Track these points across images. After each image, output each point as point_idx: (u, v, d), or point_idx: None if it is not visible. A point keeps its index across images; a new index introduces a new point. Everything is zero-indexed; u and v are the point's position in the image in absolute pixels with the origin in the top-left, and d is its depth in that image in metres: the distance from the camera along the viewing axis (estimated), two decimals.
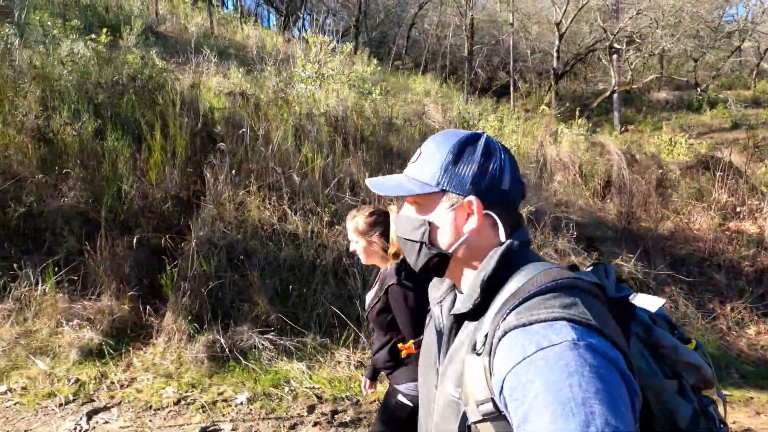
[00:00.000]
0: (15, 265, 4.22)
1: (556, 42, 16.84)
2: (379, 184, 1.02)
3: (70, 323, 4.07)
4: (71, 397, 3.47)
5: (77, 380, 3.63)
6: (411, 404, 2.13)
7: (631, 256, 6.14)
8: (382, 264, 2.23)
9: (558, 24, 16.49)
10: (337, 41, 9.45)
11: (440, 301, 1.04)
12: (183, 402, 3.55)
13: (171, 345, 4.07)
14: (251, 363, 4.01)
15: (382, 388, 3.31)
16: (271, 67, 7.64)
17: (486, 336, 0.79)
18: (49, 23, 6.15)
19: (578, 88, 23.52)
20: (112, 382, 3.67)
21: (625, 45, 17.10)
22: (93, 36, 6.17)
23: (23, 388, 3.51)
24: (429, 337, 1.07)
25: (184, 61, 7.68)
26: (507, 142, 7.42)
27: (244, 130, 5.54)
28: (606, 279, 0.97)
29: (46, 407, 3.35)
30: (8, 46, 5.50)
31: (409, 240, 0.98)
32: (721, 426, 0.94)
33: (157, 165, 5.14)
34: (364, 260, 2.28)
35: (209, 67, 7.39)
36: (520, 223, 0.96)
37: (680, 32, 16.82)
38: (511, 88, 16.23)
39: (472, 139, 0.95)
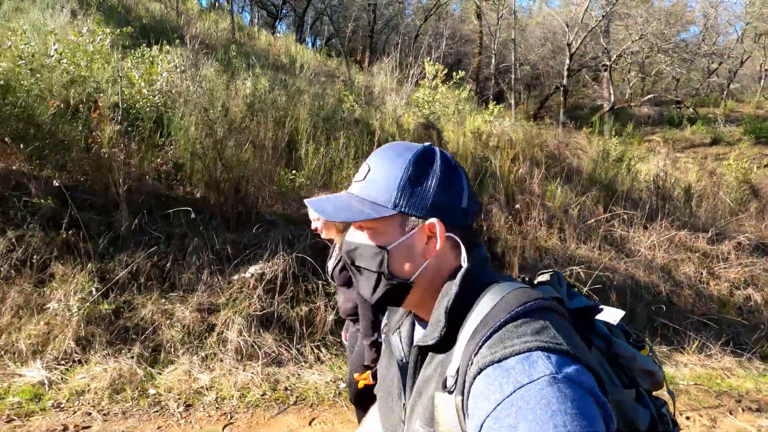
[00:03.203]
0: None
1: (567, 61, 17.99)
2: (324, 207, 0.89)
3: None
4: None
5: None
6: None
7: None
8: (338, 235, 2.64)
9: (569, 44, 17.66)
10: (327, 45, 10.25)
11: (398, 328, 0.97)
12: None
13: None
14: None
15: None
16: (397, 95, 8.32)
17: (457, 372, 0.74)
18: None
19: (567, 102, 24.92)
20: None
21: (621, 64, 18.49)
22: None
23: None
24: (387, 366, 0.99)
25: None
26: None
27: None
28: (560, 288, 0.96)
29: None
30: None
31: (365, 269, 0.88)
32: (674, 427, 0.94)
33: None
34: (324, 235, 2.67)
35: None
36: (476, 240, 0.90)
37: (674, 56, 18.32)
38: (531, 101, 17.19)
39: (427, 154, 0.87)
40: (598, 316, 0.96)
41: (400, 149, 0.88)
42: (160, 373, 3.80)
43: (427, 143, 0.91)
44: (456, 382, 0.73)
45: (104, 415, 3.21)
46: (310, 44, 19.36)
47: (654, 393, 0.94)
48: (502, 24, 20.93)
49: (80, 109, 5.47)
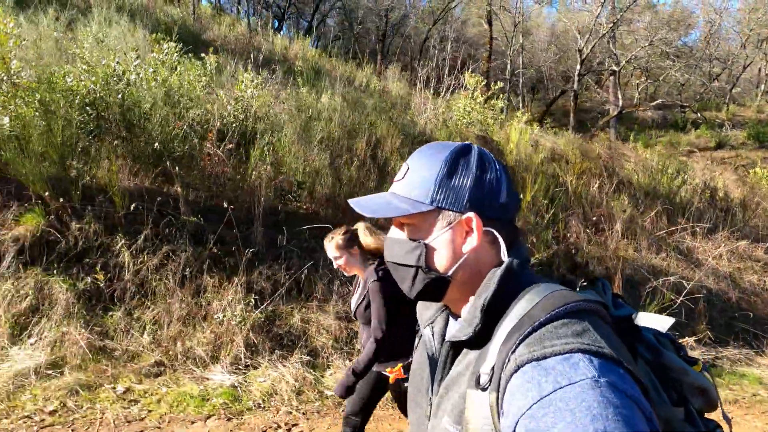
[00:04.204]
0: None
1: (578, 66, 18.60)
2: (365, 205, 0.91)
3: None
4: None
5: None
6: (383, 371, 2.54)
7: None
8: (362, 272, 2.66)
9: (580, 50, 18.26)
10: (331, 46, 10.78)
11: (431, 323, 0.97)
12: None
13: None
14: None
15: None
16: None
17: (492, 369, 0.72)
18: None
19: (567, 104, 25.64)
20: None
21: (627, 69, 19.19)
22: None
23: None
24: (419, 361, 1.00)
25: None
26: None
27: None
28: (604, 295, 0.92)
29: None
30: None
31: (402, 265, 0.89)
32: None
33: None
34: (347, 272, 2.70)
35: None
36: (517, 238, 0.90)
37: (682, 61, 19.05)
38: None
39: (464, 151, 0.89)
40: (645, 323, 0.90)
41: (438, 148, 0.89)
42: (322, 376, 4.24)
43: (466, 142, 0.92)
44: (491, 380, 0.71)
45: (303, 414, 3.66)
46: (312, 46, 19.58)
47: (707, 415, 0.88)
48: (508, 29, 21.50)
49: (196, 129, 5.86)
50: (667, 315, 4.84)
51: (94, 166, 5.05)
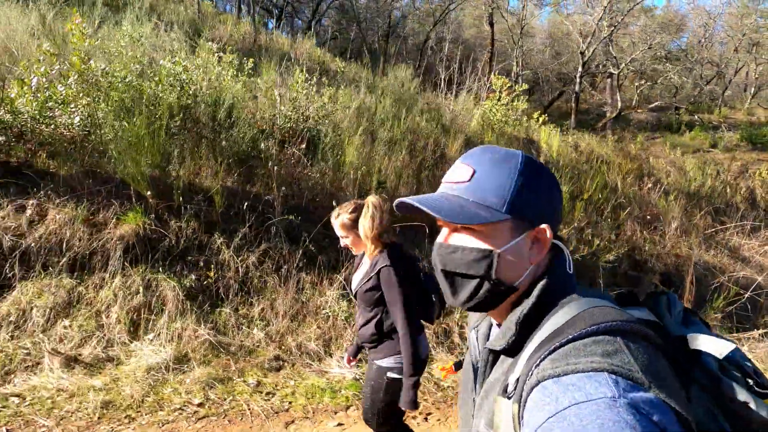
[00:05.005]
0: None
1: (579, 69, 19.05)
2: (435, 206, 0.85)
3: None
4: None
5: None
6: (401, 376, 2.28)
7: None
8: (370, 250, 2.37)
9: (582, 53, 18.71)
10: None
11: (476, 326, 0.99)
12: None
13: None
14: None
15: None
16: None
17: (518, 381, 0.72)
18: None
19: (563, 105, 26.18)
20: None
21: (624, 72, 19.74)
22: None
23: None
24: (468, 360, 1.01)
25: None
26: None
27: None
28: (668, 312, 0.86)
29: None
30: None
31: (467, 275, 0.85)
32: None
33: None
34: (355, 251, 2.49)
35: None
36: (562, 249, 0.88)
37: (679, 65, 19.66)
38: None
39: (532, 161, 0.87)
40: (699, 346, 0.79)
41: (503, 154, 0.87)
42: (430, 370, 4.41)
43: (519, 150, 0.91)
44: (515, 390, 0.71)
45: (432, 403, 3.82)
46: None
47: None
48: (512, 31, 21.89)
49: (275, 130, 5.97)
50: (734, 310, 5.11)
51: (188, 166, 5.13)
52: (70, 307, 4.26)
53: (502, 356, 0.83)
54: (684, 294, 5.34)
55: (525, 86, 11.61)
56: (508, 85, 10.58)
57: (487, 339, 0.94)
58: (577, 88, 19.56)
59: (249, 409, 3.45)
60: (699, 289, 5.80)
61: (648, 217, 6.51)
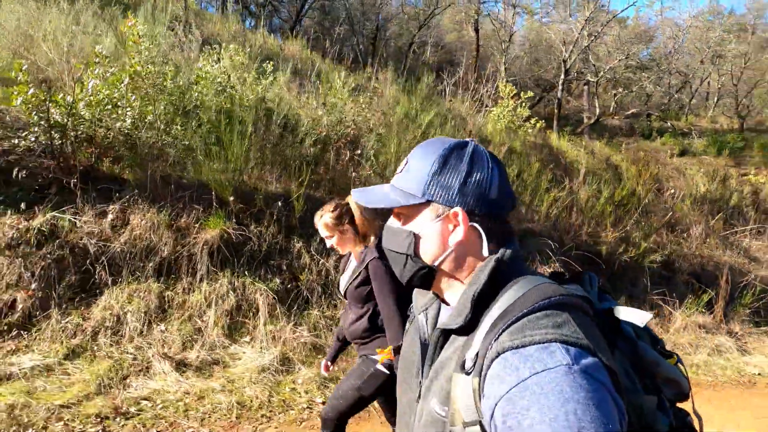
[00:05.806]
0: None
1: (562, 76, 19.80)
2: (363, 195, 0.97)
3: None
4: None
5: None
6: (388, 372, 2.28)
7: None
8: (356, 249, 2.42)
9: (564, 61, 19.48)
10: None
11: (425, 309, 1.02)
12: None
13: None
14: None
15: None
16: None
17: (476, 355, 0.77)
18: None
19: (541, 110, 27.09)
20: None
21: (601, 80, 20.69)
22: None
23: None
24: (410, 344, 1.05)
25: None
26: None
27: None
28: (590, 289, 0.96)
29: None
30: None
31: (395, 252, 0.95)
32: None
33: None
34: (341, 251, 2.46)
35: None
36: (509, 234, 0.94)
37: (652, 74, 20.73)
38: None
39: (458, 147, 0.92)
40: (625, 317, 0.91)
41: (436, 144, 0.93)
42: None
43: (466, 138, 0.96)
44: (474, 365, 0.76)
45: None
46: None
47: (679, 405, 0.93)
48: (497, 37, 22.52)
49: (329, 136, 6.10)
50: (761, 306, 5.58)
51: (255, 171, 5.22)
52: (163, 312, 4.30)
53: (452, 336, 0.87)
54: (719, 292, 5.81)
55: (530, 93, 12.01)
56: (515, 92, 10.98)
57: (437, 321, 0.97)
58: (559, 94, 20.28)
59: (373, 407, 3.60)
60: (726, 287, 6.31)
61: (672, 221, 6.98)
